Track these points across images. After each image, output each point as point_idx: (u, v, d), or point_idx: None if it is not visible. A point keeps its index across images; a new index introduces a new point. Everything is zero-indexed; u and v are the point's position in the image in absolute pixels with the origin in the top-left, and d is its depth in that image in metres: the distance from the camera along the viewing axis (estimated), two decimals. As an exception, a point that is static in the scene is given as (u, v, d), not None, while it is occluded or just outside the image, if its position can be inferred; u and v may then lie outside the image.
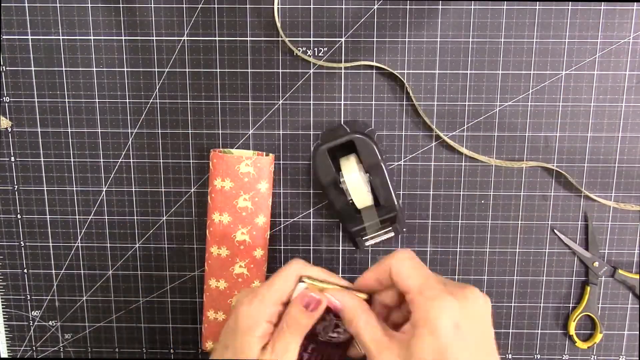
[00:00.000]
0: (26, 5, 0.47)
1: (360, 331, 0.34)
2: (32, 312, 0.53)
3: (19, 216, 0.51)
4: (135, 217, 0.51)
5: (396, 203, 0.46)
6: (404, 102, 0.48)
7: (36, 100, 0.49)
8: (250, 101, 0.49)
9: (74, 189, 0.51)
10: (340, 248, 0.51)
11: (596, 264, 0.50)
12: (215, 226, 0.48)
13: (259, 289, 0.37)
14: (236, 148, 0.49)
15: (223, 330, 0.38)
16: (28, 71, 0.48)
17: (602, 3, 0.46)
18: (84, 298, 0.53)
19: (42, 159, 0.50)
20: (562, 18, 0.47)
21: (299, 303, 0.36)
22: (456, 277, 0.51)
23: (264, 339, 0.36)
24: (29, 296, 0.53)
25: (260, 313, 0.36)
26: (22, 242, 0.52)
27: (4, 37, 0.48)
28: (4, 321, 0.54)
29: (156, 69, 0.48)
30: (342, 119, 0.49)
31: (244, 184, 0.46)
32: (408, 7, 0.47)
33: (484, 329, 0.33)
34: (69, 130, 0.49)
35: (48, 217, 0.51)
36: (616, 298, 0.51)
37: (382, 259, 0.36)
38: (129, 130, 0.49)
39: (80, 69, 0.48)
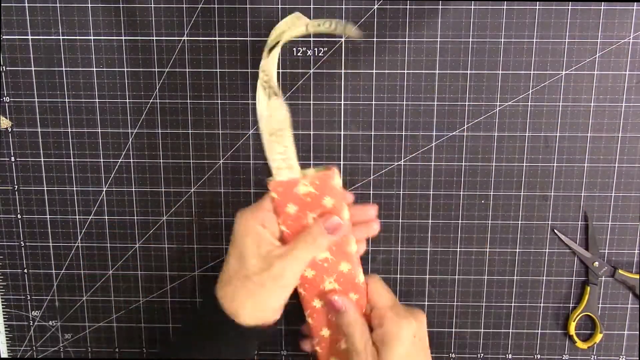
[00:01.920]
0: (26, 5, 0.47)
1: (357, 335, 0.43)
2: (32, 312, 0.53)
3: (19, 216, 0.51)
4: (135, 217, 0.51)
5: None
6: (404, 102, 0.48)
7: (36, 100, 0.49)
8: (250, 101, 0.49)
9: (74, 189, 0.51)
10: (340, 248, 0.51)
11: (596, 264, 0.50)
12: None
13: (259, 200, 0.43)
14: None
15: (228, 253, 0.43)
16: (28, 71, 0.48)
17: (602, 3, 0.46)
18: (84, 298, 0.53)
19: (42, 159, 0.50)
20: (562, 18, 0.47)
21: (322, 223, 0.42)
22: (456, 277, 0.51)
23: (262, 242, 0.41)
24: (29, 296, 0.53)
25: (255, 216, 0.41)
26: (22, 242, 0.52)
27: (4, 37, 0.48)
28: (4, 321, 0.54)
29: (156, 69, 0.48)
30: (342, 119, 0.49)
31: (307, 204, 0.44)
32: (408, 7, 0.47)
33: (426, 339, 0.45)
34: (69, 130, 0.49)
35: (48, 217, 0.51)
36: (616, 298, 0.51)
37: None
38: (129, 130, 0.49)
39: (80, 69, 0.48)
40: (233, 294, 0.41)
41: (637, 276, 0.50)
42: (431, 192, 0.50)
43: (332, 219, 0.42)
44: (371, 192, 0.50)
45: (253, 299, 0.41)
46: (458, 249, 0.51)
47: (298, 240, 0.42)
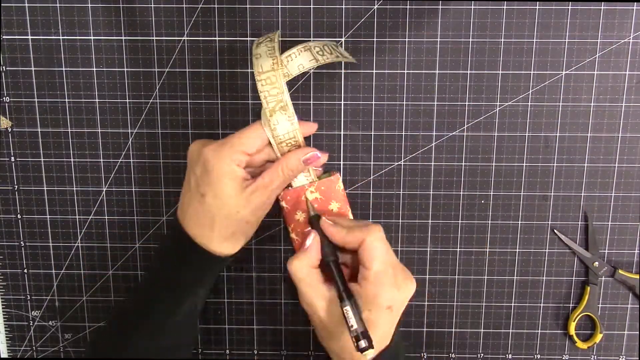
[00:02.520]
0: (26, 5, 0.47)
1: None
2: (32, 312, 0.53)
3: (19, 216, 0.51)
4: (135, 217, 0.51)
5: None
6: (404, 102, 0.48)
7: (36, 100, 0.49)
8: (250, 101, 0.49)
9: (74, 189, 0.51)
10: (340, 248, 0.51)
11: (596, 264, 0.50)
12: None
13: (226, 138, 0.42)
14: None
15: (189, 181, 0.43)
16: (28, 71, 0.48)
17: (602, 3, 0.46)
18: (84, 298, 0.53)
19: (42, 159, 0.50)
20: (562, 18, 0.47)
21: (300, 154, 0.43)
22: (456, 277, 0.51)
23: (240, 181, 0.41)
24: (29, 296, 0.53)
25: (232, 157, 0.41)
26: (22, 242, 0.52)
27: (4, 37, 0.48)
28: (4, 321, 0.54)
29: (156, 69, 0.48)
30: (342, 119, 0.49)
31: (315, 210, 0.45)
32: (408, 7, 0.47)
33: (399, 312, 0.42)
34: (69, 130, 0.49)
35: (48, 217, 0.51)
36: (616, 298, 0.51)
37: (357, 229, 0.42)
38: (129, 130, 0.49)
39: (80, 69, 0.48)
40: (202, 228, 0.42)
41: (637, 276, 0.50)
42: (431, 192, 0.50)
43: (307, 152, 0.43)
44: (371, 192, 0.50)
45: (228, 232, 0.42)
46: (458, 249, 0.51)
47: (276, 174, 0.43)
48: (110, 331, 0.45)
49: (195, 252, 0.42)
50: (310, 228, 0.44)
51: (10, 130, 0.49)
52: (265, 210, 0.44)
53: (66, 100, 0.49)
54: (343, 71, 0.48)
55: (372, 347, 0.38)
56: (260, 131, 0.42)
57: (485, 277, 0.51)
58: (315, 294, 0.41)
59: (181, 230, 0.43)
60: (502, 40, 0.47)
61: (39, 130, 0.49)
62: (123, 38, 0.48)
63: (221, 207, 0.41)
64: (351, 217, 0.46)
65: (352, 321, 0.39)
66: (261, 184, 0.42)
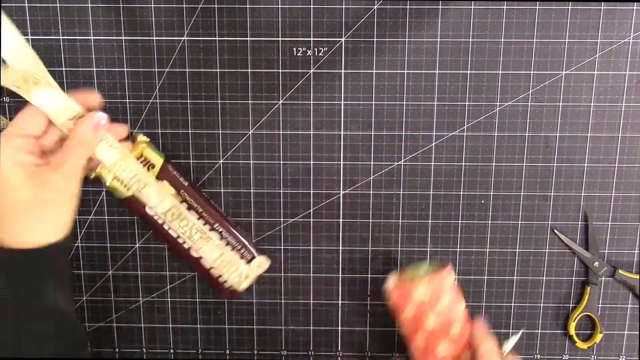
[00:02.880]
0: (26, 5, 0.47)
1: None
2: (32, 312, 0.53)
3: (19, 216, 0.51)
4: (135, 217, 0.51)
5: None
6: (404, 102, 0.48)
7: (36, 100, 0.49)
8: (250, 101, 0.49)
9: (74, 189, 0.50)
10: (340, 248, 0.51)
11: (596, 264, 0.50)
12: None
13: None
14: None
15: None
16: (28, 71, 0.48)
17: (602, 3, 0.46)
18: (84, 298, 0.53)
19: (42, 159, 0.50)
20: (562, 18, 0.47)
21: (88, 122, 0.41)
22: (456, 277, 0.51)
23: (26, 167, 0.39)
24: (29, 296, 0.53)
25: (11, 143, 0.39)
26: (22, 242, 0.52)
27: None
28: (4, 321, 0.54)
29: (156, 69, 0.48)
30: (342, 119, 0.49)
31: (425, 304, 0.45)
32: (408, 7, 0.47)
33: None
34: (69, 130, 0.49)
35: (48, 217, 0.51)
36: (616, 298, 0.51)
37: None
38: (129, 130, 0.49)
39: (80, 69, 0.48)
40: (12, 226, 0.38)
41: (637, 276, 0.50)
42: (431, 192, 0.50)
43: (92, 117, 0.41)
44: (371, 192, 0.50)
45: (29, 221, 0.39)
46: (458, 249, 0.51)
47: (67, 150, 0.40)
48: None
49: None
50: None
51: (10, 130, 0.49)
52: (72, 190, 0.40)
53: (66, 100, 0.49)
54: (343, 71, 0.48)
55: None
56: (33, 110, 0.40)
57: (485, 277, 0.51)
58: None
59: None
60: (502, 40, 0.47)
61: (39, 130, 0.49)
62: (123, 38, 0.48)
63: (6, 194, 0.39)
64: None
65: None
66: (53, 165, 0.40)
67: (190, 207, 0.48)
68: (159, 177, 0.47)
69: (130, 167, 0.45)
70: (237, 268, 0.48)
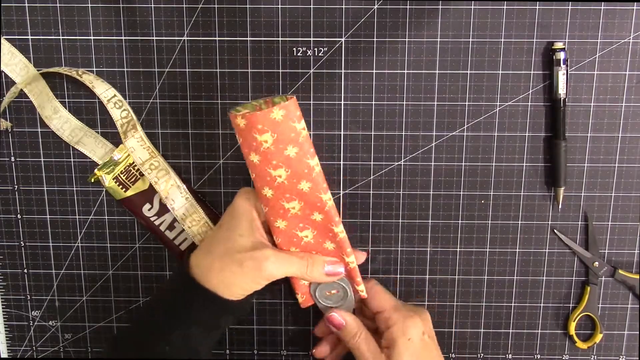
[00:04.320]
0: (26, 5, 0.47)
1: (362, 345, 0.44)
2: (32, 312, 0.53)
3: (19, 216, 0.51)
4: (135, 217, 0.51)
5: None
6: (404, 102, 0.48)
7: (36, 100, 0.49)
8: (250, 101, 0.49)
9: (74, 189, 0.50)
10: (340, 248, 0.51)
11: (596, 264, 0.50)
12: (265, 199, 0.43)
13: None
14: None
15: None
16: (28, 71, 0.48)
17: (602, 3, 0.46)
18: (84, 298, 0.53)
19: (42, 159, 0.50)
20: (562, 18, 0.46)
21: (326, 264, 0.44)
22: (456, 277, 0.51)
23: (252, 222, 0.42)
24: (29, 296, 0.53)
25: (249, 195, 0.43)
26: (22, 242, 0.52)
27: (4, 37, 0.48)
28: (4, 321, 0.54)
29: (156, 69, 0.48)
30: (342, 119, 0.49)
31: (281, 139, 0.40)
32: (408, 7, 0.47)
33: (434, 336, 0.46)
34: (69, 130, 0.49)
35: (48, 217, 0.51)
36: (616, 298, 0.51)
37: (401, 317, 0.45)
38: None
39: (80, 68, 0.48)
40: (211, 263, 0.41)
41: (637, 276, 0.50)
42: (431, 192, 0.50)
43: (335, 266, 0.44)
44: (371, 192, 0.50)
45: (226, 274, 0.41)
46: (458, 249, 0.51)
47: (296, 254, 0.43)
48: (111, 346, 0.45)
49: (189, 284, 0.42)
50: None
51: (10, 130, 0.49)
52: (263, 283, 0.42)
53: (66, 100, 0.49)
54: (343, 71, 0.48)
55: None
56: None
57: (485, 277, 0.51)
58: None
59: (185, 262, 0.43)
60: (502, 40, 0.47)
61: (39, 130, 0.49)
62: (123, 38, 0.48)
63: (226, 240, 0.42)
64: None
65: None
66: (279, 253, 0.42)
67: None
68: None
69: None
70: None
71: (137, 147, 0.47)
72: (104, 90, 0.47)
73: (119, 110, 0.47)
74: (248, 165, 0.42)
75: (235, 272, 0.41)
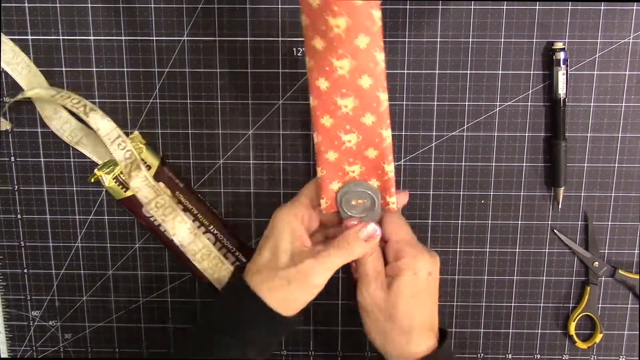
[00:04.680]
0: (26, 5, 0.47)
1: (370, 262, 0.42)
2: (32, 312, 0.53)
3: (19, 216, 0.51)
4: (135, 217, 0.51)
5: None
6: (404, 102, 0.48)
7: (36, 100, 0.49)
8: (250, 101, 0.49)
9: (74, 189, 0.51)
10: (340, 248, 0.51)
11: (596, 264, 0.50)
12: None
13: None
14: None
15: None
16: (28, 71, 0.48)
17: (602, 3, 0.46)
18: (84, 298, 0.53)
19: (42, 159, 0.50)
20: (562, 18, 0.46)
21: (358, 230, 0.42)
22: (456, 277, 0.51)
23: (295, 239, 0.41)
24: (29, 296, 0.53)
25: (293, 213, 0.42)
26: (22, 242, 0.52)
27: (6, 35, 0.48)
28: (4, 321, 0.54)
29: (156, 69, 0.48)
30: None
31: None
32: (408, 7, 0.47)
33: (438, 280, 0.44)
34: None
35: (48, 217, 0.51)
36: (616, 298, 0.51)
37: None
38: (129, 130, 0.49)
39: (80, 69, 0.48)
40: (260, 284, 0.41)
41: (637, 276, 0.50)
42: (431, 192, 0.50)
43: (368, 227, 0.42)
44: (371, 192, 0.50)
45: (277, 292, 0.40)
46: (458, 249, 0.51)
47: (332, 245, 0.41)
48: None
49: (245, 299, 0.41)
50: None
51: (10, 131, 0.49)
52: (315, 288, 0.41)
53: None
54: (343, 71, 0.48)
55: None
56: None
57: (485, 277, 0.51)
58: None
59: (240, 277, 0.42)
60: (502, 40, 0.47)
61: (39, 130, 0.49)
62: (123, 38, 0.48)
63: (270, 261, 0.41)
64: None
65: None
66: (314, 251, 0.41)
67: (185, 209, 0.48)
68: (155, 179, 0.48)
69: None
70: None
71: (142, 186, 0.46)
72: (109, 131, 0.46)
73: (122, 151, 0.46)
74: (307, 52, 0.38)
75: (286, 288, 0.40)
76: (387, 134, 0.40)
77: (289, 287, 0.40)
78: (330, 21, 0.35)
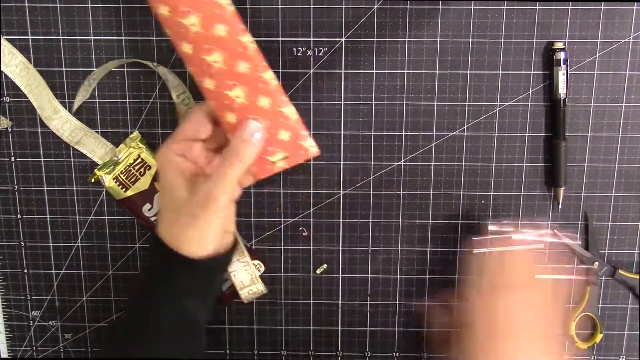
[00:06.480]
0: (26, 5, 0.47)
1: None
2: (32, 312, 0.53)
3: (19, 216, 0.51)
4: (135, 217, 0.51)
5: None
6: (404, 102, 0.48)
7: (36, 100, 0.49)
8: (250, 101, 0.49)
9: (74, 189, 0.51)
10: (340, 248, 0.51)
11: (596, 264, 0.50)
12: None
13: None
14: None
15: None
16: (28, 71, 0.48)
17: (602, 3, 0.46)
18: (84, 298, 0.53)
19: (42, 159, 0.50)
20: (562, 18, 0.46)
21: (241, 135, 0.40)
22: (456, 277, 0.51)
23: (184, 173, 0.40)
24: (29, 296, 0.53)
25: (172, 148, 0.41)
26: (22, 242, 0.52)
27: (4, 37, 0.48)
28: (4, 321, 0.54)
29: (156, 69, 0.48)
30: (342, 119, 0.49)
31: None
32: (408, 7, 0.47)
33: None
34: (69, 130, 0.49)
35: (48, 217, 0.51)
36: (616, 298, 0.51)
37: None
38: (129, 130, 0.49)
39: (80, 69, 0.48)
40: (171, 230, 0.40)
41: (637, 276, 0.50)
42: (431, 192, 0.50)
43: (250, 126, 0.40)
44: (371, 192, 0.50)
45: (189, 230, 0.39)
46: (458, 249, 0.51)
47: (223, 159, 0.40)
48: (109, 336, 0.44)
49: (162, 251, 0.40)
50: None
51: (10, 130, 0.49)
52: (221, 210, 0.40)
53: (66, 100, 0.49)
54: (343, 71, 0.48)
55: None
56: (201, 113, 0.41)
57: (485, 277, 0.51)
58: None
59: (154, 242, 0.42)
60: (502, 40, 0.47)
61: (39, 130, 0.49)
62: (123, 38, 0.48)
63: (169, 203, 0.41)
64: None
65: None
66: (208, 176, 0.40)
67: None
68: (155, 179, 0.48)
69: None
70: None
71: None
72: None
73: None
74: (184, 60, 0.40)
75: (193, 225, 0.39)
76: (269, 75, 0.40)
77: (196, 222, 0.39)
78: (184, 22, 0.37)
